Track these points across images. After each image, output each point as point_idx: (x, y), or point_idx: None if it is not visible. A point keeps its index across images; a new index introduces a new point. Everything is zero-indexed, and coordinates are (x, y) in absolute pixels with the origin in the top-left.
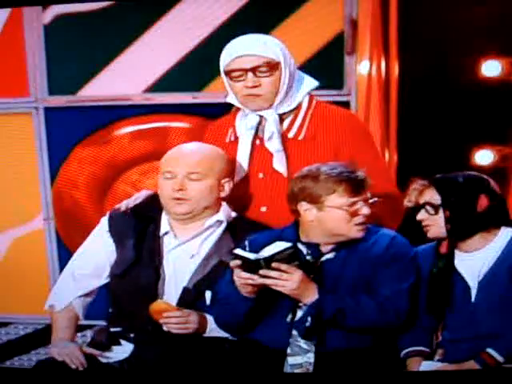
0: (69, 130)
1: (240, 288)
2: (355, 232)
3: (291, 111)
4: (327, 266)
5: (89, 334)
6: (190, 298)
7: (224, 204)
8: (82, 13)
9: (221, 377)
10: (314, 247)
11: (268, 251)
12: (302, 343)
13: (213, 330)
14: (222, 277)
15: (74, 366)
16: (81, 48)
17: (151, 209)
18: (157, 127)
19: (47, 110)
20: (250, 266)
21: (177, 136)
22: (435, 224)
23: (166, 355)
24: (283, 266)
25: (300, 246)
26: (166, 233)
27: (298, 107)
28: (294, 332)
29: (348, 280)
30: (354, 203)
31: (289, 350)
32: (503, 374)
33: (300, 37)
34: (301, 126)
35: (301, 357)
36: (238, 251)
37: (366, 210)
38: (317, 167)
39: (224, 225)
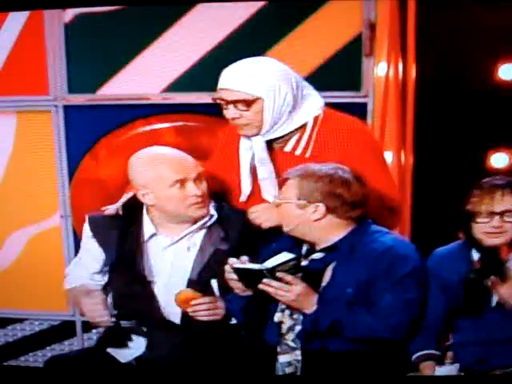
0: (88, 129)
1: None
2: None
3: (296, 130)
4: (314, 266)
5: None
6: (197, 289)
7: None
8: (102, 12)
9: (235, 367)
10: (308, 246)
11: (271, 262)
12: (290, 341)
13: None
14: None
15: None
16: (100, 47)
17: (131, 210)
18: (175, 126)
19: (66, 108)
20: (253, 277)
21: (195, 135)
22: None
23: (180, 347)
24: (288, 277)
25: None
26: (153, 234)
27: (304, 126)
28: (283, 331)
29: (339, 283)
30: None
31: (278, 349)
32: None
33: (318, 38)
34: (307, 144)
35: (289, 355)
36: (239, 265)
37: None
38: None
39: (215, 217)
